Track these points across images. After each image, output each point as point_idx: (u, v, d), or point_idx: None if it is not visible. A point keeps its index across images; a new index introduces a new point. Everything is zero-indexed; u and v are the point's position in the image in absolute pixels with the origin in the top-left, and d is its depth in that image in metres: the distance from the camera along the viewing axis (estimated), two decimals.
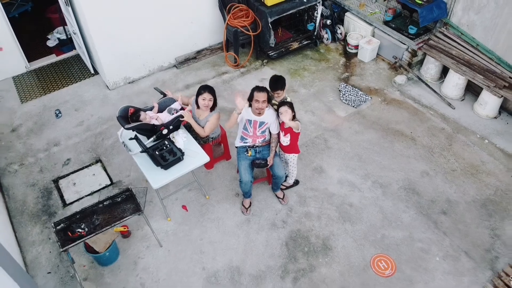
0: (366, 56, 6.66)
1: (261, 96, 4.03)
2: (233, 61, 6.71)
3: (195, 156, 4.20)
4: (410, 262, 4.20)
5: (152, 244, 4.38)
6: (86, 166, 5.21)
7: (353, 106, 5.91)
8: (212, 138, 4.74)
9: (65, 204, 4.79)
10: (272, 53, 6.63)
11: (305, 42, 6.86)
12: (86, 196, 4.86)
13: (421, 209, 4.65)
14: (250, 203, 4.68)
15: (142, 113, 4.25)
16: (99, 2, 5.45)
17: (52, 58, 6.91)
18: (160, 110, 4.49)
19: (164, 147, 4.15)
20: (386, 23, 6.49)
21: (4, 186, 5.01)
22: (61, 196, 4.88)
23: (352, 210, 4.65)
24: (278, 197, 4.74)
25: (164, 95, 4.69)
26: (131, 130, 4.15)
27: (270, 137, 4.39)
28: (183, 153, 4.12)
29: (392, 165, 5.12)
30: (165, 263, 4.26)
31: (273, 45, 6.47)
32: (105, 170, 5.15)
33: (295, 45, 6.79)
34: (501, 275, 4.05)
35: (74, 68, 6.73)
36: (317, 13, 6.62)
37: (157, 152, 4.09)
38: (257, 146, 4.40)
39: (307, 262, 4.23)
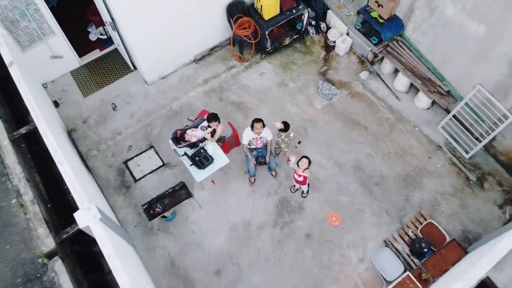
0: (341, 51, 8.61)
1: (258, 125, 6.32)
2: (238, 57, 8.66)
3: (219, 159, 6.71)
4: (351, 218, 7.02)
5: (195, 207, 7.14)
6: (144, 151, 7.71)
7: (327, 99, 8.15)
8: (227, 138, 7.15)
9: (135, 180, 7.44)
10: (269, 49, 8.56)
11: (295, 37, 8.72)
12: (148, 174, 7.47)
13: (362, 182, 7.32)
14: (254, 179, 7.32)
15: (186, 134, 6.60)
16: (137, 19, 7.23)
17: (96, 53, 8.83)
18: (195, 126, 6.81)
19: (201, 154, 6.62)
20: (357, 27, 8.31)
21: (90, 168, 7.58)
22: (131, 174, 7.49)
23: (318, 183, 7.32)
24: (272, 175, 7.36)
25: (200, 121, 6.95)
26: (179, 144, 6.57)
27: (267, 142, 6.82)
28: (213, 159, 6.61)
29: (348, 150, 7.63)
30: (204, 218, 7.08)
31: (269, 48, 8.39)
32: (157, 154, 7.67)
33: (287, 40, 8.67)
34: (404, 227, 6.91)
35: (117, 63, 8.71)
36: (304, 17, 8.37)
37: (197, 158, 6.58)
38: (258, 149, 6.85)
39: (289, 217, 7.05)
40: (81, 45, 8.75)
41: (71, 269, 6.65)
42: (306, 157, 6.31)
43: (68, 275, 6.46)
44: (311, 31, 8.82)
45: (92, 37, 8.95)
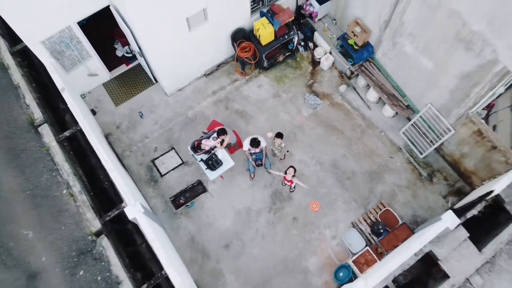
0: (325, 67, 10.44)
1: (256, 149, 8.33)
2: (240, 72, 10.50)
3: (226, 162, 8.77)
4: (327, 205, 9.18)
5: (209, 197, 9.28)
6: (167, 152, 9.75)
7: (312, 109, 10.08)
8: (232, 144, 9.18)
9: (161, 175, 9.53)
10: (265, 65, 10.38)
11: (287, 54, 10.52)
12: (171, 170, 9.55)
13: (337, 177, 9.41)
14: (254, 175, 9.41)
15: (201, 144, 8.62)
16: (160, 48, 9.07)
17: (123, 68, 10.66)
18: (208, 137, 8.81)
19: (212, 159, 8.67)
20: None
21: (126, 165, 9.65)
22: (158, 170, 9.57)
23: (304, 178, 9.40)
24: (268, 171, 9.44)
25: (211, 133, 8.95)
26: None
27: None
28: (222, 162, 8.67)
29: (327, 151, 9.67)
30: (215, 205, 9.23)
31: (266, 65, 10.22)
32: (178, 154, 9.71)
33: (281, 57, 10.48)
34: (367, 212, 9.08)
35: (141, 77, 10.57)
36: (294, 40, 10.14)
37: (209, 162, 8.64)
38: (256, 153, 8.88)
39: (280, 205, 9.20)
40: (109, 59, 10.54)
41: (114, 244, 9.00)
42: (292, 166, 8.34)
43: (112, 248, 8.86)
44: (300, 49, 10.62)
45: (119, 53, 10.74)
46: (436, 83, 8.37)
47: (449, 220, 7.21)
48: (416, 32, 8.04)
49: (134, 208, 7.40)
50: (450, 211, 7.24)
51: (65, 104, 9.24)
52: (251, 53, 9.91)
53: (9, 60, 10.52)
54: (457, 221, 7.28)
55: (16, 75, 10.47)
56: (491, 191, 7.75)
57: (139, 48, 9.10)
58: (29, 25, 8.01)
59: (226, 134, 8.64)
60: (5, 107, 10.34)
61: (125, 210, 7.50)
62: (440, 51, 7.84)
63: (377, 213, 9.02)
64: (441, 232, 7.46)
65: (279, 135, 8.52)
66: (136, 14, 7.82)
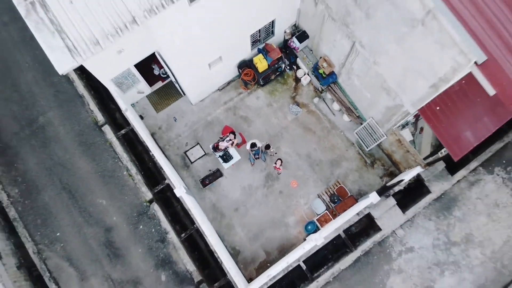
0: (304, 83, 14.61)
1: (254, 148, 12.81)
2: (244, 87, 14.68)
3: (236, 157, 13.35)
4: (303, 182, 13.89)
5: (224, 179, 13.95)
6: (194, 146, 14.25)
7: (294, 115, 14.41)
8: (239, 142, 13.68)
9: (191, 162, 14.13)
10: (261, 82, 14.53)
11: (277, 74, 14.63)
12: (197, 159, 14.12)
13: (310, 164, 14.02)
14: (253, 164, 13.99)
15: (219, 145, 13.08)
16: (190, 76, 13.26)
17: (159, 84, 14.81)
18: (223, 140, 13.25)
19: (226, 154, 13.22)
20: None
21: (167, 155, 14.20)
22: (189, 159, 14.16)
23: (287, 164, 14.01)
24: (263, 161, 14.01)
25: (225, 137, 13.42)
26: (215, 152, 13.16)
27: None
28: (232, 157, 13.24)
29: (304, 146, 14.17)
30: (228, 183, 13.96)
31: (262, 83, 14.40)
32: (202, 148, 14.22)
33: (273, 76, 14.60)
34: (328, 188, 13.80)
35: (173, 91, 14.76)
36: (282, 66, 14.23)
37: (224, 157, 13.20)
38: (255, 150, 13.38)
39: (272, 183, 13.92)
40: (149, 77, 14.69)
41: (161, 207, 13.94)
42: (280, 159, 12.94)
43: (161, 210, 13.81)
44: (287, 70, 14.72)
45: (156, 72, 14.85)
46: (374, 105, 12.68)
47: (373, 197, 11.87)
48: (360, 75, 12.22)
49: (180, 189, 12.07)
50: (374, 193, 11.91)
51: (115, 104, 13.57)
52: (251, 77, 14.06)
53: (73, 75, 14.76)
54: (378, 198, 11.97)
55: (80, 87, 14.78)
56: (402, 180, 12.43)
57: (172, 74, 13.28)
58: (104, 70, 12.15)
59: (235, 136, 13.12)
60: (75, 112, 14.83)
61: (175, 191, 12.16)
62: (373, 90, 12.08)
63: (334, 188, 13.73)
64: (369, 203, 12.19)
65: (267, 147, 13.01)
66: (173, 60, 11.95)
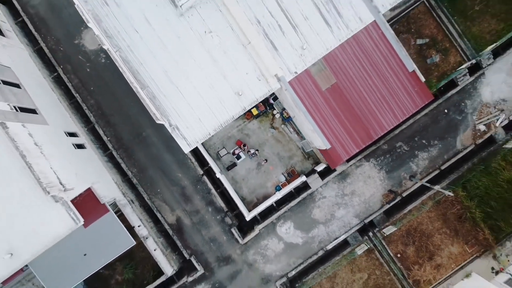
0: (277, 118, 29.03)
1: (250, 153, 27.67)
2: (246, 118, 29.10)
3: (242, 156, 28.38)
4: (275, 167, 29.11)
5: (237, 167, 29.06)
6: (221, 149, 29.09)
7: (272, 133, 29.08)
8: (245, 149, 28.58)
9: (220, 157, 29.10)
10: (257, 115, 28.90)
11: (263, 113, 28.96)
12: (223, 156, 29.04)
13: (280, 159, 29.15)
14: (251, 159, 28.96)
15: (235, 151, 27.88)
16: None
17: None
18: (236, 148, 28.00)
19: (238, 155, 28.16)
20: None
21: (209, 153, 29.06)
22: (220, 155, 29.08)
23: (270, 160, 29.00)
24: (256, 158, 28.98)
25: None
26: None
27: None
28: (241, 156, 28.25)
29: (277, 150, 29.16)
30: (239, 169, 29.30)
31: (255, 117, 28.87)
32: (226, 150, 29.06)
33: (261, 114, 28.95)
34: (287, 170, 29.04)
35: None
36: (266, 109, 28.58)
37: (237, 158, 28.20)
38: (252, 153, 28.24)
39: (261, 168, 29.16)
40: None
41: (208, 179, 29.73)
42: (266, 159, 28.04)
43: (208, 181, 29.76)
44: (269, 110, 29.06)
45: None
46: (307, 133, 27.29)
47: (304, 178, 27.23)
48: (298, 120, 26.70)
49: (220, 174, 27.28)
50: (303, 176, 27.22)
51: None
52: (251, 116, 28.43)
53: None
54: (305, 178, 27.33)
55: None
56: (316, 170, 27.87)
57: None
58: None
59: (245, 145, 28.02)
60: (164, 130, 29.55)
61: (217, 175, 27.34)
62: (303, 128, 26.64)
63: (289, 170, 28.91)
64: (304, 179, 27.59)
65: (257, 151, 27.90)
66: None
